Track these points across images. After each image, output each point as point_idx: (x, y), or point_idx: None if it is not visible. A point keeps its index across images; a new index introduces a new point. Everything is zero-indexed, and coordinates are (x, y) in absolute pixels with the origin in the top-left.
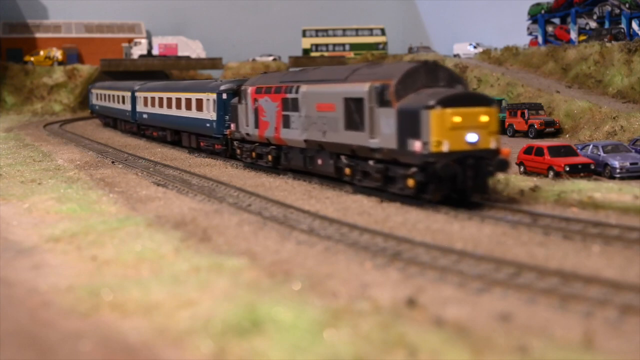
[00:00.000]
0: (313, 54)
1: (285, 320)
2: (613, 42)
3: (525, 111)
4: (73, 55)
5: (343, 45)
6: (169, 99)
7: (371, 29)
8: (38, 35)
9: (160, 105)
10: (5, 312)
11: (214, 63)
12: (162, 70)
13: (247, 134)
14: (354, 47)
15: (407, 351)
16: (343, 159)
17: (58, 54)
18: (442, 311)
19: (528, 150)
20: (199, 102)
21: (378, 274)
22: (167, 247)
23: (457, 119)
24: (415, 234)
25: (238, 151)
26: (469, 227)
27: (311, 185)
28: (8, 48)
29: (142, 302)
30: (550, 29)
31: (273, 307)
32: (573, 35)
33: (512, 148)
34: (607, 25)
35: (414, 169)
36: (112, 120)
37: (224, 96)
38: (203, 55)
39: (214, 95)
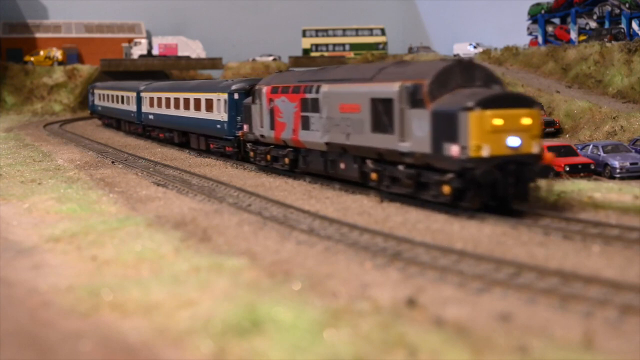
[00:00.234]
0: (313, 54)
1: (285, 320)
2: (613, 42)
3: None
4: (73, 55)
5: (343, 45)
6: (177, 99)
7: (371, 29)
8: (38, 35)
9: (168, 106)
10: (5, 312)
11: (214, 63)
12: (162, 70)
13: (262, 136)
14: (354, 47)
15: (407, 351)
16: (369, 163)
17: (58, 54)
18: (442, 311)
19: None
20: (209, 103)
21: (378, 274)
22: (167, 247)
23: (498, 122)
24: (415, 234)
25: (251, 154)
26: (469, 227)
27: (311, 185)
28: (8, 48)
29: (142, 302)
30: (550, 29)
31: (273, 307)
32: (573, 35)
33: None
34: (607, 25)
35: (450, 175)
36: (115, 121)
37: (236, 96)
38: (203, 55)
39: (225, 95)
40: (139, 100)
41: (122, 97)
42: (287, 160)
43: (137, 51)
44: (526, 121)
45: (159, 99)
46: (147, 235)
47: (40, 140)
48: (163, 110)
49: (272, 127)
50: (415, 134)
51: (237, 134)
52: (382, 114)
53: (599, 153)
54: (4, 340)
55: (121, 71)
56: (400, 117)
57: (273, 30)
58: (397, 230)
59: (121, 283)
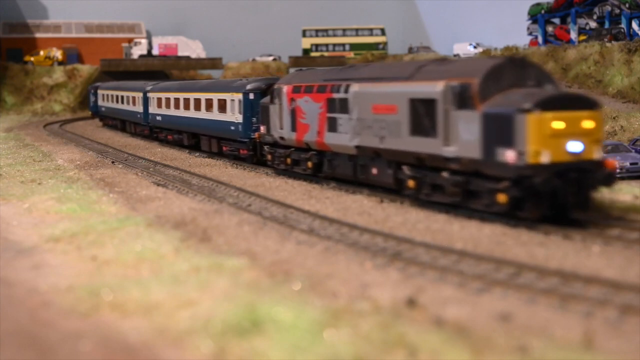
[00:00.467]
0: (313, 54)
1: (285, 320)
2: (613, 42)
3: None
4: (73, 55)
5: (343, 45)
6: (187, 100)
7: (371, 29)
8: (38, 35)
9: (177, 107)
10: (5, 312)
11: (214, 63)
12: (162, 70)
13: (281, 138)
14: (354, 47)
15: (407, 351)
16: (405, 169)
17: (58, 54)
18: (442, 311)
19: None
20: (222, 103)
21: (378, 274)
22: (167, 247)
23: (559, 125)
24: (415, 234)
25: (269, 157)
26: (469, 227)
27: (311, 185)
28: (8, 48)
29: (142, 302)
30: (550, 29)
31: (273, 307)
32: (573, 35)
33: None
34: (607, 25)
35: (505, 183)
36: (120, 122)
37: (252, 96)
38: (203, 55)
39: (240, 95)
40: (145, 101)
41: (128, 97)
42: (310, 164)
43: (137, 51)
44: (588, 124)
45: (167, 99)
46: (147, 235)
47: (40, 140)
48: (172, 111)
49: (294, 128)
50: (462, 137)
51: (253, 136)
52: (422, 115)
53: None
54: (4, 340)
55: (121, 71)
56: (444, 119)
57: (273, 30)
58: (397, 230)
59: (121, 283)
